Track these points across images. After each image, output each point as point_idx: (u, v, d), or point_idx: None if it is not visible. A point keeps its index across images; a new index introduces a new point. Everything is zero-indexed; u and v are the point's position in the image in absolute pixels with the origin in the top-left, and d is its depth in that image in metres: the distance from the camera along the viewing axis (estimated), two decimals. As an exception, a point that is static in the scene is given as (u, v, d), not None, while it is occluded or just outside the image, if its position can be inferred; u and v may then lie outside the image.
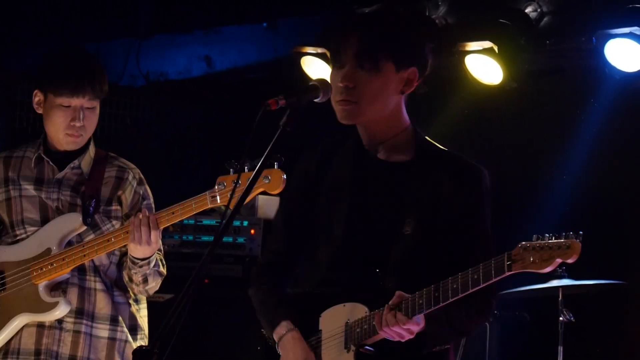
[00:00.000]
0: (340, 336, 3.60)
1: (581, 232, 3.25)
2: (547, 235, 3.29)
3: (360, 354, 3.56)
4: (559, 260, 3.25)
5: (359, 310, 3.57)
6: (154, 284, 4.71)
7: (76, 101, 4.65)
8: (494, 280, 3.33)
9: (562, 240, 3.25)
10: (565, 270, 6.30)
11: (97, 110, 4.74)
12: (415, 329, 3.46)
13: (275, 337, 3.70)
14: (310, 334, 3.68)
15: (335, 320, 3.63)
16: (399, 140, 3.68)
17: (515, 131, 7.16)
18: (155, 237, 4.43)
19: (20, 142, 4.96)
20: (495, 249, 3.93)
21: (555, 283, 6.28)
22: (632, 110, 6.74)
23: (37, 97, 4.73)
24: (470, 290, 3.35)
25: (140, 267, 4.54)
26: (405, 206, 3.61)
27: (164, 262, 4.73)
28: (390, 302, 3.47)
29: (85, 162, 4.78)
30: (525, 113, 7.07)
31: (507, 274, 3.31)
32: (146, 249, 4.46)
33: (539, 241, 3.28)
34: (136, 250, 4.48)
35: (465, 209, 3.63)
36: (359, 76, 3.56)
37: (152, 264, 4.58)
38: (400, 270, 3.58)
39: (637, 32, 6.01)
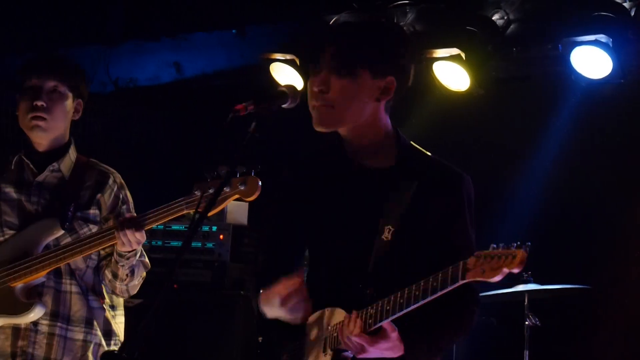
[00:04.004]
0: (321, 339, 3.62)
1: (529, 243, 3.20)
2: (501, 245, 3.24)
3: (337, 358, 3.57)
4: (506, 271, 3.20)
5: (339, 315, 3.58)
6: (139, 279, 4.75)
7: (37, 81, 4.71)
8: (450, 288, 3.30)
9: (509, 250, 3.20)
10: (531, 275, 6.35)
11: (68, 101, 4.78)
12: (372, 347, 3.44)
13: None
14: (297, 339, 3.68)
15: (317, 324, 3.65)
16: (379, 147, 3.70)
17: (482, 137, 7.22)
18: (142, 235, 4.49)
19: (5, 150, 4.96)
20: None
21: (521, 287, 6.33)
22: (598, 116, 6.82)
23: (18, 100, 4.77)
24: (430, 298, 3.33)
25: (128, 259, 4.60)
26: (384, 213, 3.62)
27: (144, 253, 4.78)
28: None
29: (66, 165, 4.80)
30: (493, 119, 7.13)
31: (461, 282, 3.27)
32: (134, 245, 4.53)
33: (489, 251, 3.24)
34: (124, 247, 4.52)
35: (444, 217, 3.64)
36: (334, 82, 3.58)
37: (138, 255, 4.64)
38: (379, 278, 3.58)
39: (603, 40, 6.07)
